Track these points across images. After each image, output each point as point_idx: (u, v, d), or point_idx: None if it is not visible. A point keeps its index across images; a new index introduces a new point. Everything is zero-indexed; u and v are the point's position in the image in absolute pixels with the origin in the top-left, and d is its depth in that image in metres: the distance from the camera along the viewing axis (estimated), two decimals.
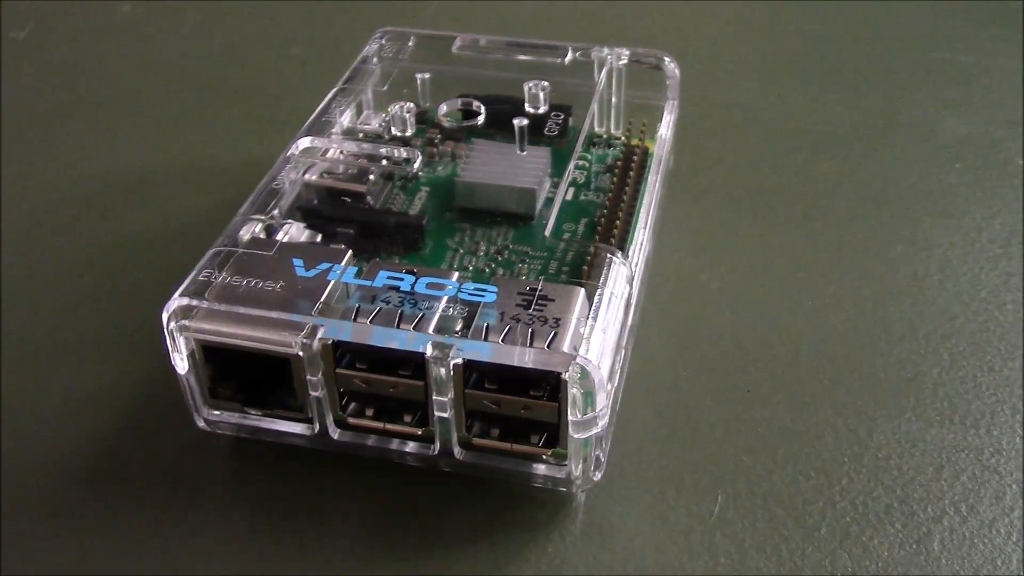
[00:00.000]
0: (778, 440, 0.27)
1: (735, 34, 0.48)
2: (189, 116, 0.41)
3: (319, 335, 0.23)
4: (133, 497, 0.26)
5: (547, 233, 0.28)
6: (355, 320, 0.23)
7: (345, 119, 0.33)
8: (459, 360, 0.23)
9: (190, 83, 0.44)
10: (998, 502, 0.25)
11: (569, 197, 0.31)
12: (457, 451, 0.25)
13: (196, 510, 0.25)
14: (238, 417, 0.26)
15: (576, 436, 0.23)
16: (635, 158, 0.32)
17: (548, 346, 0.23)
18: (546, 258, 0.28)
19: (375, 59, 0.35)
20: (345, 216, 0.29)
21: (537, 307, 0.24)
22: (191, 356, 0.24)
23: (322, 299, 0.24)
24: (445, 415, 0.24)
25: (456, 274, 0.25)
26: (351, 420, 0.25)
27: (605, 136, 0.34)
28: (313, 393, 0.24)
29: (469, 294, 0.24)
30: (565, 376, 0.22)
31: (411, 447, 0.25)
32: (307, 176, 0.29)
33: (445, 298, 0.24)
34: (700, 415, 0.28)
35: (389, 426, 0.25)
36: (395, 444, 0.25)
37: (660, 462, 0.26)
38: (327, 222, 0.28)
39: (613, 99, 0.34)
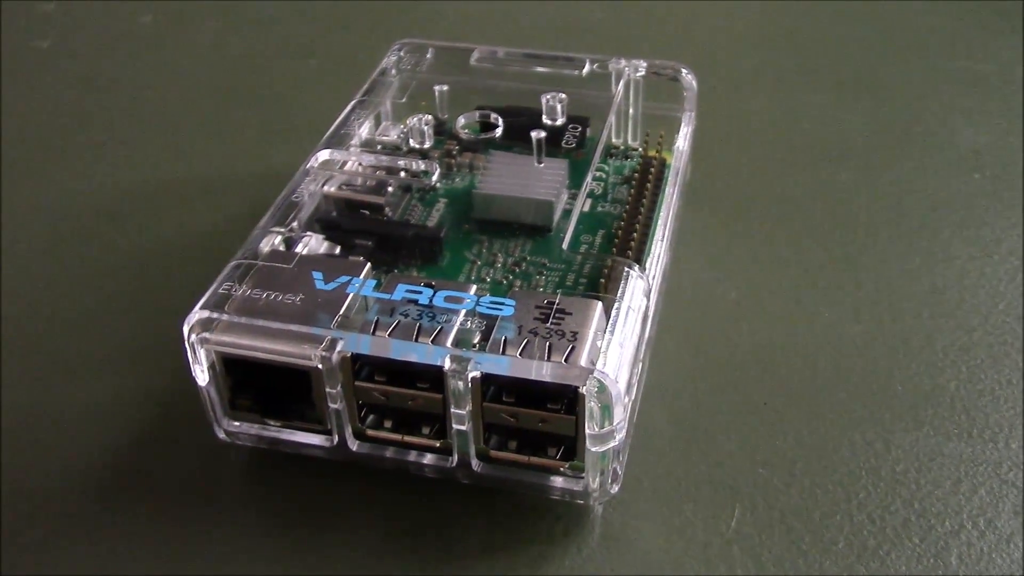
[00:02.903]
0: (795, 453, 0.27)
1: (751, 44, 0.48)
2: (208, 126, 0.41)
3: (338, 348, 0.24)
4: (151, 508, 0.26)
5: (564, 246, 0.28)
6: (374, 333, 0.24)
7: (363, 131, 0.33)
8: (477, 373, 0.23)
9: (209, 94, 0.44)
10: (1016, 516, 0.25)
11: (586, 209, 0.31)
12: (475, 463, 0.25)
13: (214, 521, 0.26)
14: (257, 428, 0.26)
15: (593, 449, 0.23)
16: (652, 170, 0.32)
17: (566, 360, 0.23)
18: (563, 271, 0.28)
19: (393, 71, 0.35)
20: (364, 228, 0.29)
21: (554, 321, 0.24)
22: (211, 368, 0.25)
23: (341, 312, 0.24)
24: (463, 428, 0.24)
25: (474, 288, 0.25)
26: (370, 432, 0.25)
27: (622, 147, 0.34)
28: (332, 405, 0.24)
29: (487, 307, 0.24)
30: (583, 390, 0.22)
31: (429, 459, 0.25)
32: (326, 188, 0.30)
33: (463, 312, 0.24)
34: (717, 427, 0.28)
35: (407, 438, 0.25)
36: (413, 456, 0.25)
37: (677, 475, 0.26)
38: (346, 234, 0.29)
39: (630, 110, 0.34)
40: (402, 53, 0.36)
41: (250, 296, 0.25)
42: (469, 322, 0.24)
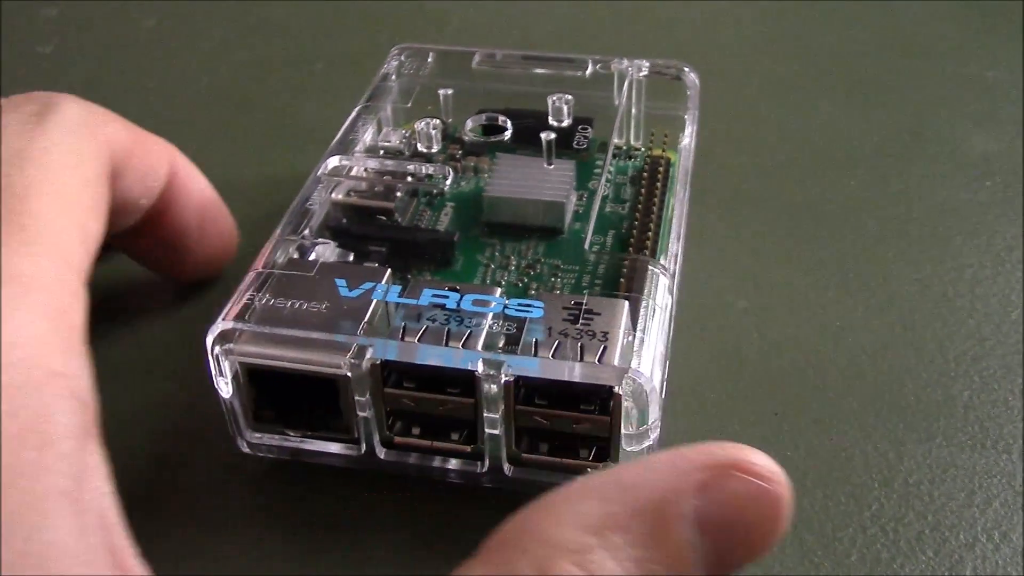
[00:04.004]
0: (807, 464, 0.27)
1: (760, 49, 0.47)
2: (210, 131, 0.41)
3: (367, 355, 0.23)
4: (172, 521, 0.25)
5: (585, 246, 0.28)
6: (403, 339, 0.23)
7: (367, 136, 0.33)
8: (510, 377, 0.23)
9: (212, 98, 0.44)
10: None
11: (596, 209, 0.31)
12: (506, 467, 0.24)
13: (236, 532, 0.25)
14: (279, 439, 0.26)
15: (629, 449, 0.23)
16: (660, 169, 0.32)
17: (599, 360, 0.23)
18: (579, 272, 0.28)
19: (394, 76, 0.35)
20: (376, 234, 0.29)
21: (584, 321, 0.24)
22: (235, 379, 0.24)
23: (367, 319, 0.24)
24: (495, 432, 0.24)
25: (499, 290, 0.25)
26: (398, 439, 0.25)
27: (625, 147, 0.34)
28: (361, 414, 0.24)
29: (515, 310, 0.24)
30: (618, 390, 0.22)
31: (454, 464, 0.25)
32: (334, 195, 0.29)
33: (491, 314, 0.24)
34: (728, 437, 0.27)
35: (437, 444, 0.25)
36: (438, 462, 0.25)
37: None
38: (358, 241, 0.28)
39: (633, 111, 0.34)
40: (403, 58, 0.36)
41: (273, 305, 0.24)
42: (497, 325, 0.24)
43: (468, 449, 0.24)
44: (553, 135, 0.31)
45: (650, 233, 0.29)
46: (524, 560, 0.16)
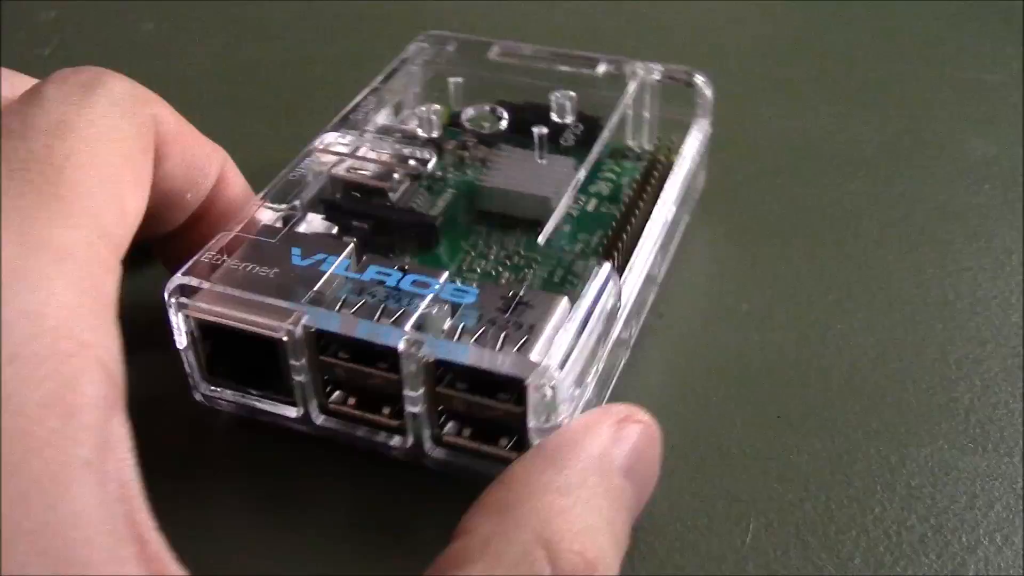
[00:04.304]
0: (810, 467, 0.27)
1: (761, 52, 0.47)
2: (211, 136, 0.41)
3: (303, 321, 0.24)
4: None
5: (540, 240, 0.28)
6: (339, 311, 0.24)
7: (381, 117, 0.33)
8: (431, 358, 0.23)
9: (213, 101, 0.44)
10: None
11: (591, 208, 0.31)
12: (428, 446, 0.25)
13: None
14: (235, 396, 0.26)
15: (536, 442, 0.23)
16: (655, 173, 0.32)
17: (517, 351, 0.23)
18: (553, 266, 0.29)
19: (415, 61, 0.35)
20: (363, 211, 0.29)
21: (515, 312, 0.24)
22: (190, 333, 0.25)
23: (316, 288, 0.25)
24: (416, 410, 0.24)
25: (446, 273, 0.25)
26: (332, 406, 0.25)
27: (637, 150, 0.34)
28: (298, 378, 0.25)
29: (450, 294, 0.25)
30: (527, 382, 0.23)
31: (396, 440, 0.26)
32: (333, 170, 0.30)
33: (429, 296, 0.25)
34: (730, 441, 0.27)
35: (368, 415, 0.25)
36: (381, 437, 0.26)
37: (690, 489, 0.26)
38: (346, 216, 0.29)
39: (646, 114, 0.34)
40: (425, 44, 0.36)
41: (231, 267, 0.25)
42: (435, 307, 0.24)
43: (396, 424, 0.25)
44: (545, 130, 0.31)
45: (625, 235, 0.29)
46: (521, 529, 0.20)
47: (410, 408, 0.24)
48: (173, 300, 0.25)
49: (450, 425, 0.25)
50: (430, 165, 0.31)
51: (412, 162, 0.31)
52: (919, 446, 0.27)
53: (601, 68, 0.34)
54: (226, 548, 0.25)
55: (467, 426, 0.25)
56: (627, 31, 0.49)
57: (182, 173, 0.27)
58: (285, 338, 0.24)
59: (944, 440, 0.27)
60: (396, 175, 0.30)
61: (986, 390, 0.29)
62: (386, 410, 0.25)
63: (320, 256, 0.26)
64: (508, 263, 0.29)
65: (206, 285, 0.25)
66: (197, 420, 0.27)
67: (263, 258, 0.26)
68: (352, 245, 0.26)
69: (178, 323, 0.25)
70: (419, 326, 0.24)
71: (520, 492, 0.21)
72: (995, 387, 0.29)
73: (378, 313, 0.24)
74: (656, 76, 0.34)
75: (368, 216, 0.29)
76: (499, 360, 0.23)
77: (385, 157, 0.31)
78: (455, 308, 0.25)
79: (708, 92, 0.34)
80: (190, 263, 0.26)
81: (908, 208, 0.36)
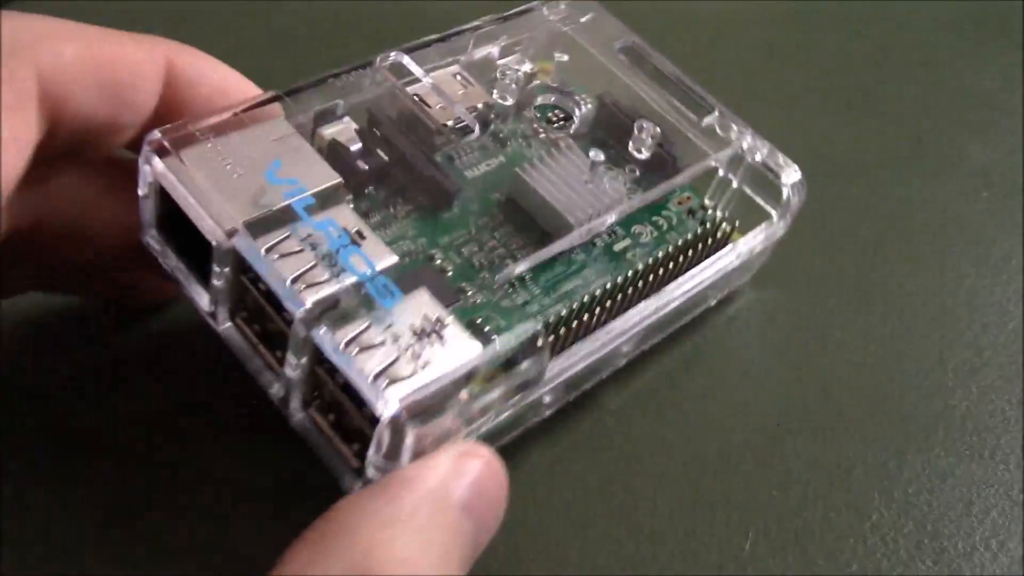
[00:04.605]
0: (808, 475, 0.27)
1: (759, 59, 0.48)
2: None
3: (233, 241, 0.23)
4: None
5: (496, 277, 0.26)
6: (269, 248, 0.23)
7: (488, 51, 0.31)
8: (314, 341, 0.22)
9: None
10: None
11: (618, 248, 0.28)
12: (294, 407, 0.24)
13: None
14: (172, 257, 0.25)
15: (368, 475, 0.22)
16: (710, 240, 0.29)
17: (390, 384, 0.21)
18: (537, 296, 0.26)
19: (545, 10, 0.33)
20: (396, 143, 0.27)
21: (423, 341, 0.22)
22: (150, 185, 0.25)
23: (266, 212, 0.23)
24: (292, 375, 0.23)
25: (395, 258, 0.23)
26: (238, 321, 0.25)
27: (710, 212, 0.30)
28: (216, 282, 0.24)
29: (376, 289, 0.23)
30: (380, 415, 0.21)
31: (275, 388, 0.24)
32: (396, 90, 0.28)
33: (353, 280, 0.23)
34: (730, 449, 0.28)
35: (263, 349, 0.24)
36: (267, 376, 0.24)
37: (691, 497, 0.27)
38: (376, 141, 0.27)
39: (733, 184, 0.31)
40: (561, 5, 0.33)
41: (211, 149, 0.24)
42: (355, 290, 0.23)
43: (278, 372, 0.24)
44: (602, 156, 0.28)
45: (609, 303, 0.27)
46: (339, 559, 0.19)
47: (288, 371, 0.23)
48: (146, 149, 0.24)
49: (319, 402, 0.23)
50: (472, 136, 0.28)
51: (447, 123, 0.28)
52: (916, 453, 0.28)
53: (707, 120, 0.31)
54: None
55: (332, 412, 0.23)
56: None
57: (105, 101, 0.24)
58: (214, 243, 0.23)
59: (941, 447, 0.28)
60: (449, 123, 0.28)
61: (983, 398, 0.29)
62: (279, 352, 0.24)
63: (292, 181, 0.24)
64: (495, 263, 0.26)
65: (184, 156, 0.24)
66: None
67: (242, 156, 0.24)
68: (336, 182, 0.25)
69: (143, 173, 0.25)
70: (329, 305, 0.22)
71: (343, 523, 0.20)
72: (992, 395, 0.29)
73: (302, 269, 0.22)
74: (757, 158, 0.31)
75: (397, 150, 0.27)
76: (367, 384, 0.21)
77: (458, 96, 0.29)
78: (370, 303, 0.22)
79: (794, 198, 0.30)
80: (178, 124, 0.24)
81: (906, 215, 0.36)
